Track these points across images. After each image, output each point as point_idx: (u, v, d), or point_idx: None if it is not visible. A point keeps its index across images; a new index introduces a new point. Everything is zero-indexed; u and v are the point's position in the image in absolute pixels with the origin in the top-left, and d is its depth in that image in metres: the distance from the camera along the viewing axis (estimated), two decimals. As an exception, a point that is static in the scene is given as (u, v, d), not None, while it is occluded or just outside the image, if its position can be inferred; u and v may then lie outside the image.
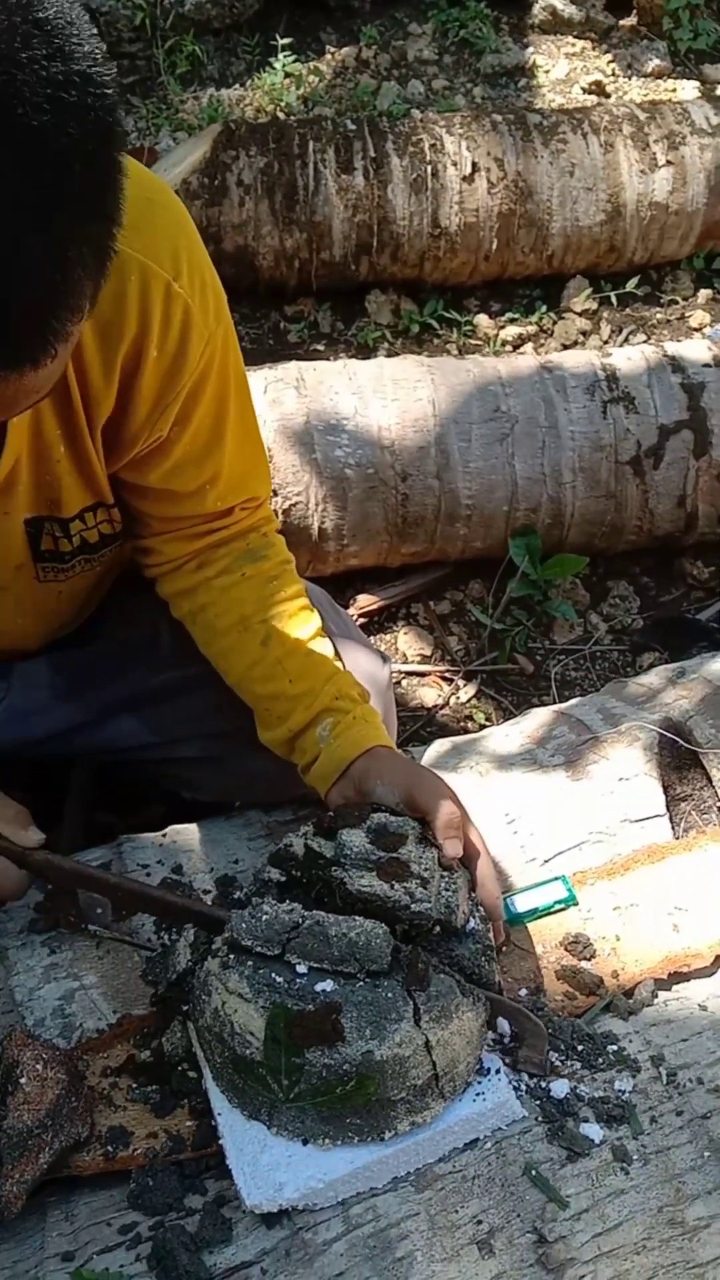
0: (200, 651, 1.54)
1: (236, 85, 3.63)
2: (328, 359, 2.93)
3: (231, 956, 1.19)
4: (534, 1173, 1.16)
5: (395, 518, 2.40)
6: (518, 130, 3.11)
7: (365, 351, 3.08)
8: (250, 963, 1.18)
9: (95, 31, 0.90)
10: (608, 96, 3.76)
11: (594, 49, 3.93)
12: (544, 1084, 1.23)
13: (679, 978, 1.36)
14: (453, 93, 3.70)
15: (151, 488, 1.43)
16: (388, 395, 2.40)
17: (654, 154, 3.14)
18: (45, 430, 1.30)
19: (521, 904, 1.41)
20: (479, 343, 3.14)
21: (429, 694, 2.41)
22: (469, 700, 2.41)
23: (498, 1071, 1.22)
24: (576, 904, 1.42)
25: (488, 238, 3.08)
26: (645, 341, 3.16)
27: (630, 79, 3.85)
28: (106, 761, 1.77)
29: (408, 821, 1.32)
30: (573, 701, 1.80)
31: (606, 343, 3.18)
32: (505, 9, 3.96)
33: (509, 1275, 1.10)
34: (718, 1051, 1.28)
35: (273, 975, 1.16)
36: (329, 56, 3.75)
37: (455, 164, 3.04)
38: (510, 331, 3.15)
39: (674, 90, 3.79)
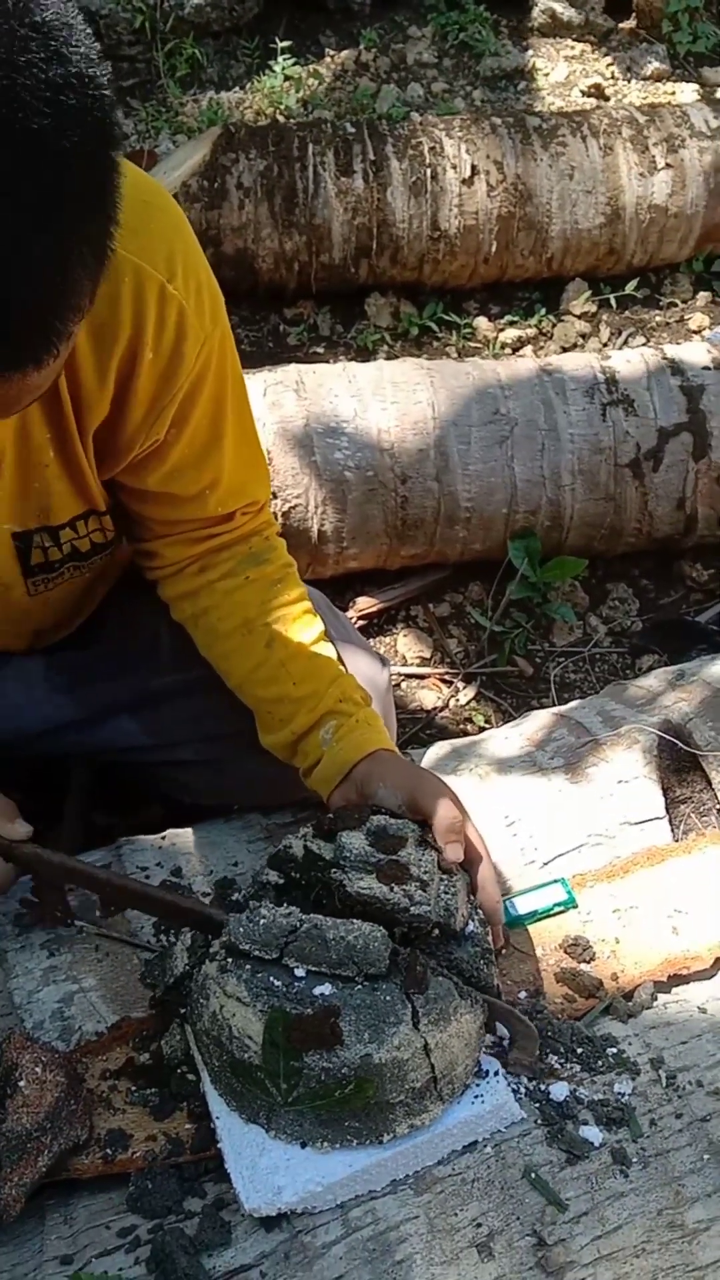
0: (201, 655, 1.54)
1: (236, 88, 3.63)
2: (327, 362, 2.92)
3: (229, 960, 1.19)
4: (533, 1175, 1.16)
5: (395, 520, 2.40)
6: (517, 133, 3.11)
7: (365, 354, 3.08)
8: (248, 966, 1.18)
9: (91, 33, 0.91)
10: (607, 99, 3.77)
11: (593, 52, 3.93)
12: (543, 1086, 1.23)
13: (678, 980, 1.36)
14: (452, 96, 3.71)
15: (151, 491, 1.43)
16: (387, 398, 2.40)
17: (653, 157, 3.14)
18: (33, 434, 1.29)
19: (521, 906, 1.41)
20: (478, 345, 3.14)
21: (428, 696, 2.41)
22: (468, 703, 2.41)
23: (496, 1074, 1.21)
24: (576, 906, 1.42)
25: (487, 240, 3.08)
26: (644, 344, 3.16)
27: (629, 82, 3.85)
28: (105, 762, 1.77)
29: (407, 824, 1.32)
30: (572, 704, 1.80)
31: (606, 345, 3.18)
32: (505, 12, 3.96)
33: (509, 1278, 1.10)
34: (717, 1054, 1.28)
35: (271, 979, 1.16)
36: (328, 59, 3.75)
37: (455, 167, 3.04)
38: (510, 334, 3.15)
39: (673, 93, 3.79)
